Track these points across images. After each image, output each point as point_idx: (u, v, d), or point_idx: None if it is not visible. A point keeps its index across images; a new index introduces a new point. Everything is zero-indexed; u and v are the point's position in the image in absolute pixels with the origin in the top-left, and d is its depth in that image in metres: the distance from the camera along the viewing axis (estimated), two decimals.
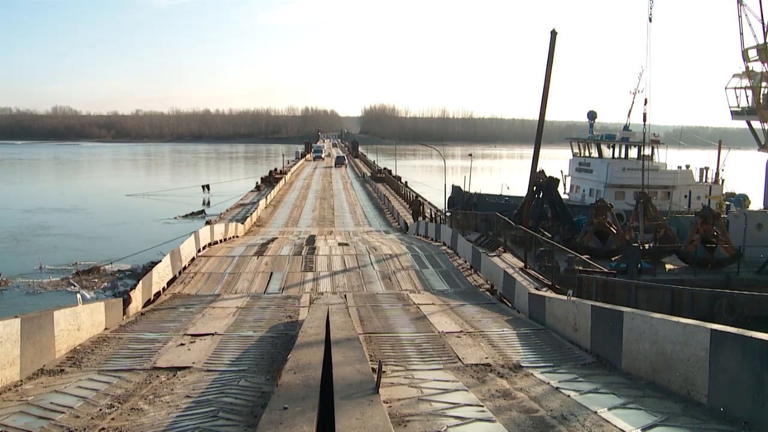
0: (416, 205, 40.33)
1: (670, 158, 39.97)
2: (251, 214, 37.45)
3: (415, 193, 50.05)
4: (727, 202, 33.36)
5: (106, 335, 10.32)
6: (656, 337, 7.70)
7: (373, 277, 17.83)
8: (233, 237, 27.62)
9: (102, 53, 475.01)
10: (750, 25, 29.88)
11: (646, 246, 24.00)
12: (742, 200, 36.53)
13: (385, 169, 75.07)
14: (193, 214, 45.68)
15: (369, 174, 73.36)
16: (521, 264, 18.11)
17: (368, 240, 27.19)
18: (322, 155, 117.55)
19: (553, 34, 24.94)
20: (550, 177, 29.15)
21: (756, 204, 35.92)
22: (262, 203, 43.06)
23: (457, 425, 6.15)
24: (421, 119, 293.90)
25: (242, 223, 31.65)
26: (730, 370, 6.45)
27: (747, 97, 32.51)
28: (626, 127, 40.18)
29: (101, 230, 38.78)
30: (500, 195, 42.18)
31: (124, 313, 12.03)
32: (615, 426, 6.24)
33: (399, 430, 5.95)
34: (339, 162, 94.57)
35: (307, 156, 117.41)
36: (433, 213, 38.60)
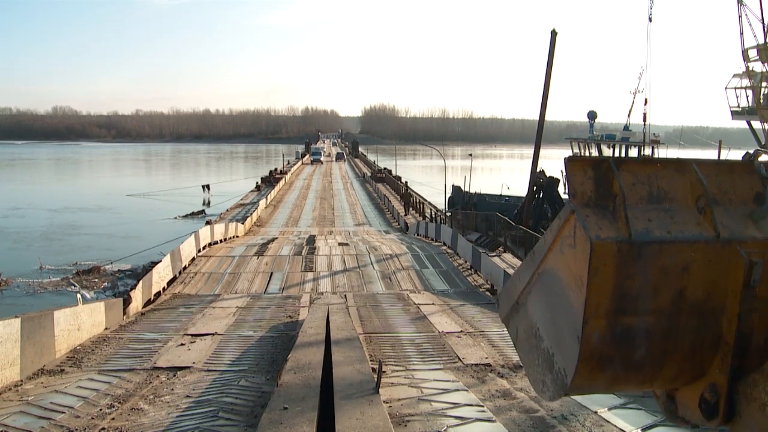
0: (407, 197, 42.55)
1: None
2: (251, 214, 37.45)
3: (405, 186, 51.15)
4: None
5: (106, 335, 10.33)
6: None
7: (373, 277, 17.83)
8: (233, 237, 27.62)
9: (102, 53, 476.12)
10: (750, 25, 29.87)
11: None
12: None
13: (385, 169, 75.03)
14: (193, 214, 45.63)
15: (369, 174, 73.35)
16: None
17: (368, 240, 27.19)
18: (321, 158, 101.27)
19: (553, 34, 24.92)
20: (551, 177, 29.15)
21: None
22: (262, 203, 43.06)
23: (458, 425, 6.15)
24: (421, 119, 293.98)
25: (242, 223, 31.65)
26: None
27: (747, 97, 32.48)
28: (626, 127, 40.16)
29: (101, 230, 38.77)
30: (500, 195, 42.18)
31: (124, 313, 12.03)
32: (615, 426, 6.24)
33: (399, 430, 5.95)
34: (339, 157, 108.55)
35: (305, 158, 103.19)
36: (433, 213, 38.62)
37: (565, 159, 2.72)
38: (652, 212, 2.65)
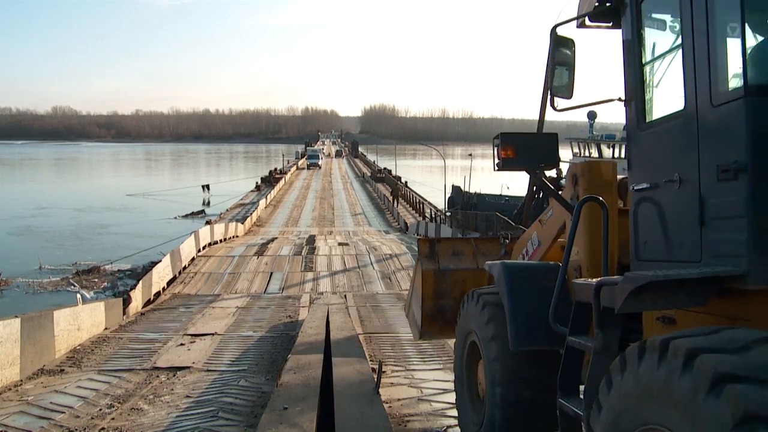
0: (396, 190, 45.46)
1: None
2: (251, 214, 37.46)
3: (396, 180, 51.86)
4: None
5: (106, 335, 10.33)
6: None
7: (373, 277, 17.83)
8: (233, 237, 27.63)
9: (102, 53, 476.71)
10: None
11: None
12: None
13: (385, 169, 75.04)
14: (193, 213, 45.55)
15: (369, 174, 73.34)
16: None
17: (368, 240, 27.20)
18: (319, 162, 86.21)
19: (553, 33, 24.88)
20: (551, 177, 29.10)
21: None
22: (262, 203, 43.07)
23: (457, 425, 6.14)
24: (421, 119, 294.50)
25: (242, 223, 31.66)
26: None
27: None
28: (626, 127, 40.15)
29: (101, 230, 38.75)
30: (500, 195, 42.17)
31: (124, 313, 12.02)
32: None
33: (399, 430, 5.94)
34: (338, 155, 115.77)
35: (300, 162, 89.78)
36: (432, 213, 38.62)
37: (417, 239, 7.73)
38: (452, 258, 6.56)
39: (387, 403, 6.54)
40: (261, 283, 16.82)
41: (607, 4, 3.58)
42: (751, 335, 2.30)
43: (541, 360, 4.08)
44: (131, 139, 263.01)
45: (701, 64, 2.82)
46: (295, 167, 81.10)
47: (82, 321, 9.78)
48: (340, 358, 7.18)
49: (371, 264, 19.86)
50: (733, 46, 2.69)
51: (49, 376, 7.99)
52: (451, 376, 8.07)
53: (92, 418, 6.32)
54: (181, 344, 9.64)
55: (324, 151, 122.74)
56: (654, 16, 3.42)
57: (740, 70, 2.63)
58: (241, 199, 48.84)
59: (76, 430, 6.00)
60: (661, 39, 3.37)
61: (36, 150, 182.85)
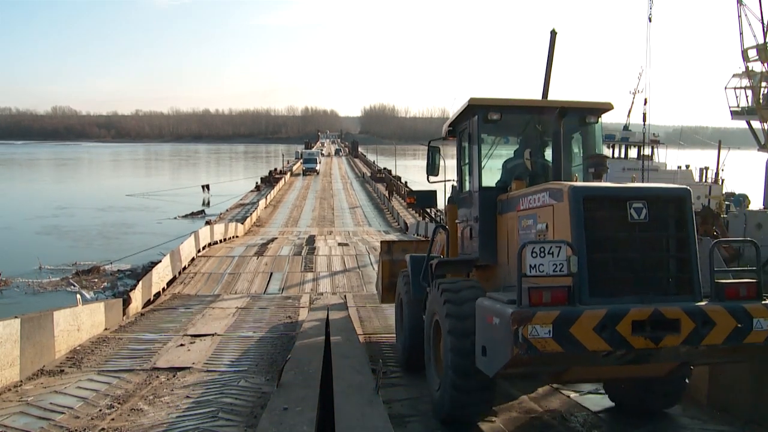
0: (391, 186, 45.90)
1: (670, 158, 39.91)
2: (251, 214, 37.44)
3: (390, 176, 51.96)
4: (726, 202, 33.29)
5: (106, 336, 10.32)
6: None
7: (372, 278, 17.79)
8: (233, 237, 27.62)
9: (102, 53, 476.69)
10: (750, 25, 29.77)
11: None
12: (741, 200, 36.45)
13: (385, 169, 74.97)
14: (193, 214, 45.51)
15: (369, 174, 73.28)
16: None
17: (368, 240, 27.19)
18: (317, 166, 77.20)
19: (553, 33, 24.75)
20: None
21: (756, 204, 35.83)
22: (262, 203, 43.05)
23: (457, 426, 6.14)
24: (421, 119, 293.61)
25: (242, 223, 31.64)
26: (729, 373, 6.44)
27: (747, 97, 32.40)
28: (626, 127, 40.10)
29: (101, 230, 38.73)
30: None
31: (124, 314, 12.02)
32: (612, 427, 6.24)
33: (399, 431, 5.94)
34: (337, 153, 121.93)
35: (296, 166, 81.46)
36: (432, 213, 38.55)
37: (381, 242, 11.91)
38: (401, 253, 10.05)
39: (387, 403, 6.54)
40: (261, 283, 16.82)
41: (451, 129, 7.91)
42: (465, 284, 6.04)
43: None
44: (131, 139, 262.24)
45: (471, 171, 7.12)
46: (289, 174, 69.85)
47: (81, 321, 9.78)
48: (340, 359, 7.18)
49: (371, 264, 19.85)
50: (476, 164, 6.91)
51: (48, 376, 7.99)
52: None
53: (92, 419, 6.32)
54: (181, 345, 9.64)
55: (324, 151, 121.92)
56: (463, 142, 7.56)
57: (478, 179, 6.87)
58: (241, 200, 48.80)
59: (76, 430, 6.00)
60: (468, 153, 7.33)
61: (37, 150, 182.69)
